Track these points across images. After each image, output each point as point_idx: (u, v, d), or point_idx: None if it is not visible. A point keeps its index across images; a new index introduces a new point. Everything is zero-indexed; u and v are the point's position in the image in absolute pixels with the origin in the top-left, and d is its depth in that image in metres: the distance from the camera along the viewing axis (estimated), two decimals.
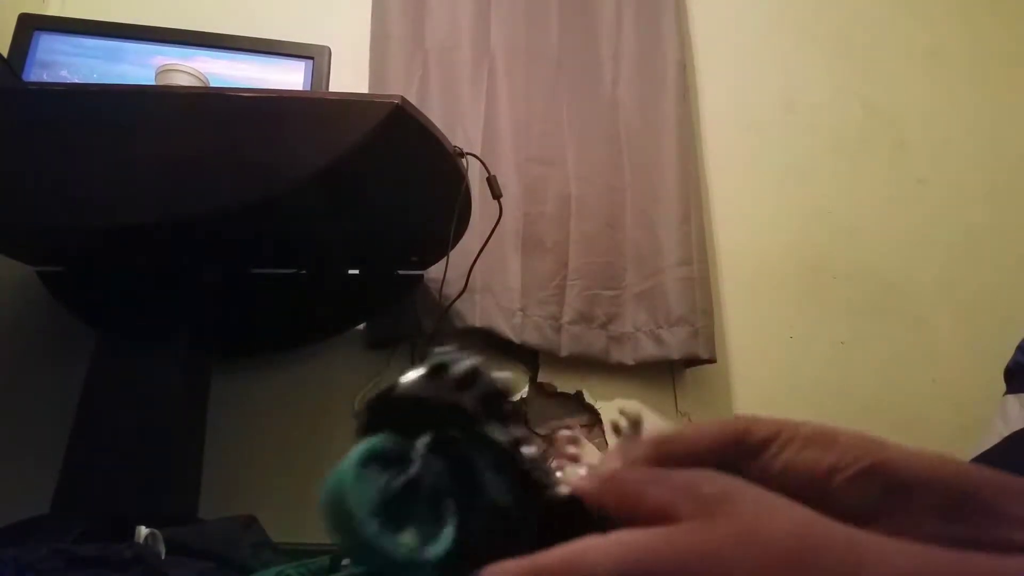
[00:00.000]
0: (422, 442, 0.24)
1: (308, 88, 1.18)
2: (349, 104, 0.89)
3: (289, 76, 1.19)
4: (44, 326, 1.19)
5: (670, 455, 0.26)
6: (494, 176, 1.09)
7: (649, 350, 1.33)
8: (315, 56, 1.21)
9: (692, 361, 1.35)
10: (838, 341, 1.46)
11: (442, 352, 0.27)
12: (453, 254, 1.06)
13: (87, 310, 1.13)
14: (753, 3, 1.71)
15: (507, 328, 1.25)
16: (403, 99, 0.83)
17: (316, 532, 1.01)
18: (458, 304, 1.22)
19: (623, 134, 1.46)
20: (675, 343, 1.31)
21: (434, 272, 1.21)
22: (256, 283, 1.18)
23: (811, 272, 1.51)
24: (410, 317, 1.25)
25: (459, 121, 1.38)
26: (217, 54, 1.18)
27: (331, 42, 1.24)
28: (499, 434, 0.25)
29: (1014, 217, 1.60)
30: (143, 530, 0.69)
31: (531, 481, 0.25)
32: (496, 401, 0.26)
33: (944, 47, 1.73)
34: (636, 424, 0.27)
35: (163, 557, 0.68)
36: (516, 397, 0.27)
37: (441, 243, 1.07)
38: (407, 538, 0.22)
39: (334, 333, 1.28)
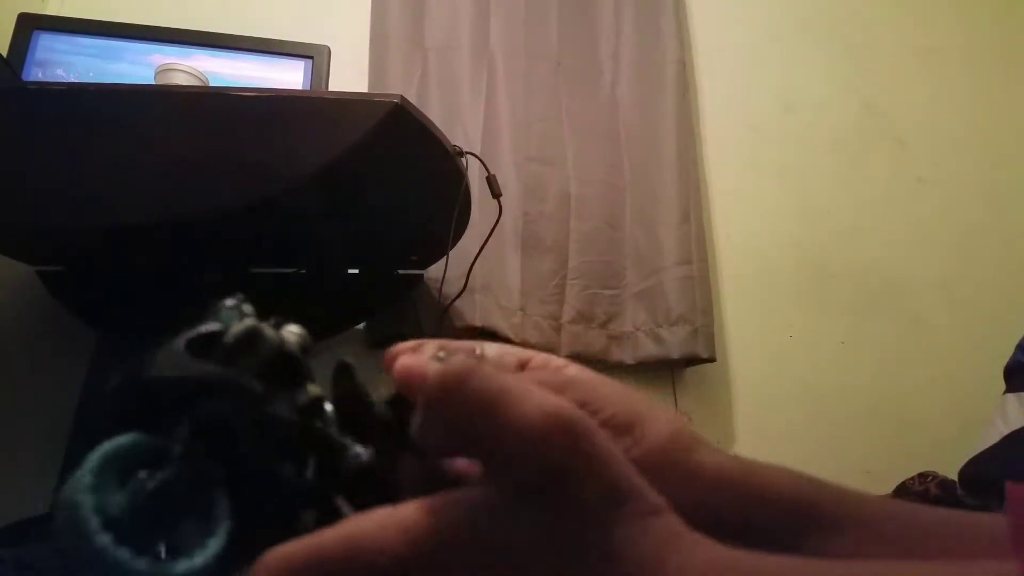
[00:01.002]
0: (181, 433, 0.21)
1: (308, 87, 1.18)
2: (349, 103, 0.89)
3: (289, 75, 1.19)
4: (44, 326, 1.19)
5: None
6: (494, 175, 1.09)
7: (649, 349, 1.33)
8: (315, 55, 1.21)
9: (692, 360, 1.35)
10: (838, 340, 1.46)
11: (218, 314, 0.23)
12: (453, 253, 1.06)
13: (87, 310, 1.13)
14: (753, 2, 1.71)
15: (507, 327, 1.25)
16: (403, 98, 0.83)
17: None
18: (458, 303, 1.22)
19: (623, 133, 1.46)
20: (675, 342, 1.31)
21: (434, 272, 1.21)
22: (256, 283, 1.18)
23: (811, 271, 1.51)
24: (410, 317, 1.25)
25: (459, 120, 1.38)
26: (217, 54, 1.18)
27: (331, 41, 1.24)
28: (283, 406, 0.22)
29: (1014, 216, 1.60)
30: None
31: (330, 448, 0.22)
32: (282, 366, 0.22)
33: (943, 46, 1.73)
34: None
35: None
36: (304, 350, 0.24)
37: (441, 242, 1.07)
38: (146, 559, 0.19)
39: (334, 333, 1.28)
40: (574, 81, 1.47)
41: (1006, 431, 0.86)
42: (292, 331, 0.24)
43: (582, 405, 0.23)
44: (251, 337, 0.22)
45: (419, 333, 1.24)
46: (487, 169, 1.10)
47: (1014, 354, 0.95)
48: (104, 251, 1.00)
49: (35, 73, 1.10)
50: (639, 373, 1.35)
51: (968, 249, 1.56)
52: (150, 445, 0.21)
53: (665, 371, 1.38)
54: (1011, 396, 0.91)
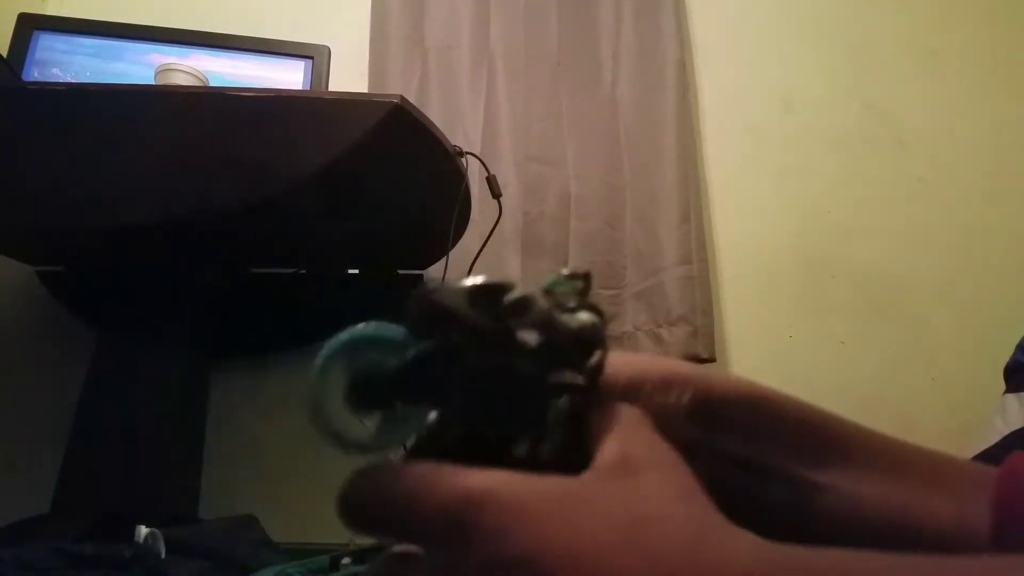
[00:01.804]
0: (427, 344, 0.23)
1: (308, 88, 1.18)
2: (349, 103, 0.89)
3: (288, 75, 1.19)
4: (44, 326, 1.19)
5: None
6: (494, 175, 1.09)
7: (649, 349, 1.33)
8: (314, 55, 1.21)
9: (692, 360, 1.35)
10: (838, 340, 1.46)
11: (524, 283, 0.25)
12: (453, 253, 1.06)
13: (87, 310, 1.13)
14: (753, 2, 1.71)
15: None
16: (402, 98, 0.83)
17: (316, 532, 1.01)
18: None
19: (623, 133, 1.46)
20: (675, 342, 1.31)
21: (434, 272, 1.21)
22: (256, 283, 1.18)
23: (810, 271, 1.51)
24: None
25: (459, 120, 1.38)
26: (217, 53, 1.18)
27: (331, 41, 1.24)
28: (530, 364, 0.23)
29: (1014, 217, 1.60)
30: (143, 530, 0.69)
31: (550, 429, 0.23)
32: (552, 338, 0.23)
33: (944, 46, 1.73)
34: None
35: (163, 557, 0.68)
36: (583, 338, 0.25)
37: (441, 242, 1.07)
38: (370, 423, 0.22)
39: (334, 333, 1.28)
40: (574, 81, 1.47)
41: (1006, 431, 0.87)
42: (583, 316, 0.24)
43: (631, 381, 0.26)
44: (526, 303, 0.24)
45: None
46: (487, 169, 1.10)
47: (1014, 354, 0.95)
48: (104, 251, 1.00)
49: (35, 73, 1.10)
50: None
51: (968, 249, 1.56)
52: (397, 340, 0.24)
53: None
54: (1011, 396, 0.91)
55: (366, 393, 0.23)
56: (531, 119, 1.41)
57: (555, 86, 1.46)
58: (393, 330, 0.24)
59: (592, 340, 0.24)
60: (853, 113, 1.64)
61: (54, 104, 0.84)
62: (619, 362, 0.27)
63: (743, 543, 0.20)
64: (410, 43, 1.42)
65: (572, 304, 0.25)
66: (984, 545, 0.24)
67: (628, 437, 0.23)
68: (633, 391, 0.27)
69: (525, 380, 0.23)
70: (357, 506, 0.22)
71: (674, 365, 0.28)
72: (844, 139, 1.62)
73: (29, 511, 0.81)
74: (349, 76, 1.36)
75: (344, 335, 0.24)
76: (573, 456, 0.23)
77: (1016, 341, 0.95)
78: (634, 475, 0.21)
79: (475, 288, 0.23)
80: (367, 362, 0.24)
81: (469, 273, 1.19)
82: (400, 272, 1.22)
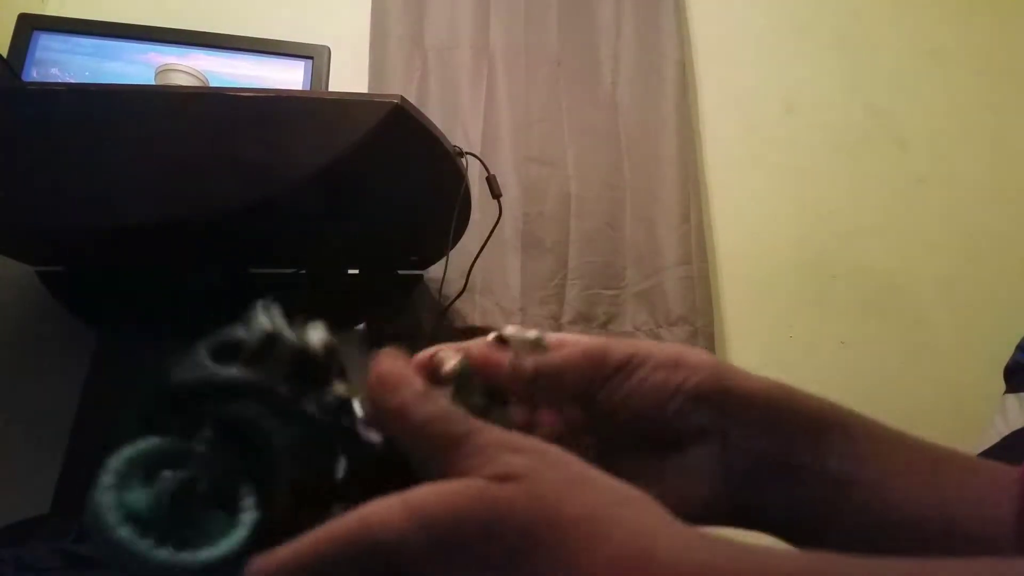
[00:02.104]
0: (203, 434, 0.22)
1: (307, 88, 1.18)
2: (348, 104, 0.89)
3: (288, 75, 1.19)
4: (44, 326, 1.19)
5: (539, 374, 0.28)
6: (494, 176, 1.09)
7: None
8: (314, 56, 1.21)
9: None
10: (838, 341, 1.46)
11: (245, 320, 0.24)
12: (453, 254, 1.06)
13: (87, 310, 1.13)
14: (753, 2, 1.71)
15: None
16: (402, 99, 0.82)
17: None
18: (458, 304, 1.22)
19: (623, 134, 1.46)
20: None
21: (434, 272, 1.21)
22: (256, 283, 1.18)
23: (811, 272, 1.51)
24: (410, 317, 1.25)
25: (459, 121, 1.38)
26: (216, 53, 1.18)
27: (330, 41, 1.24)
28: (310, 406, 0.23)
29: (1015, 217, 1.60)
30: None
31: (351, 440, 0.23)
32: (305, 367, 0.24)
33: (945, 47, 1.73)
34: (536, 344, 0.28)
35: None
36: (327, 351, 0.26)
37: (441, 243, 1.07)
38: (167, 549, 0.20)
39: (334, 333, 1.28)
40: (574, 81, 1.47)
41: (1006, 431, 0.86)
42: (315, 333, 0.25)
43: (629, 357, 0.28)
44: (271, 341, 0.23)
45: (419, 333, 1.24)
46: (487, 169, 1.10)
47: (1014, 354, 0.95)
48: (104, 251, 1.00)
49: (34, 73, 1.10)
50: None
51: (969, 250, 1.56)
52: (174, 447, 0.22)
53: None
54: (1011, 396, 0.91)
55: (178, 508, 0.21)
56: (531, 119, 1.41)
57: (555, 86, 1.46)
58: (154, 443, 0.22)
59: (335, 348, 0.25)
60: (854, 113, 1.64)
61: (54, 104, 0.84)
62: (616, 342, 0.28)
63: (691, 546, 0.20)
64: (410, 43, 1.42)
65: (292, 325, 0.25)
66: (1010, 544, 0.24)
67: (513, 446, 0.22)
68: (631, 366, 0.28)
69: (310, 407, 0.23)
70: None
71: (687, 349, 0.29)
72: (844, 139, 1.62)
73: (29, 511, 0.81)
74: (349, 76, 1.36)
75: (111, 466, 0.21)
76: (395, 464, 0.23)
77: (1016, 341, 0.95)
78: (540, 481, 0.21)
79: (214, 349, 0.23)
80: (156, 483, 0.21)
81: (468, 273, 1.19)
82: (400, 272, 1.22)
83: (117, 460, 0.21)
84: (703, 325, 1.32)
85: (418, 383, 0.24)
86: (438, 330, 1.21)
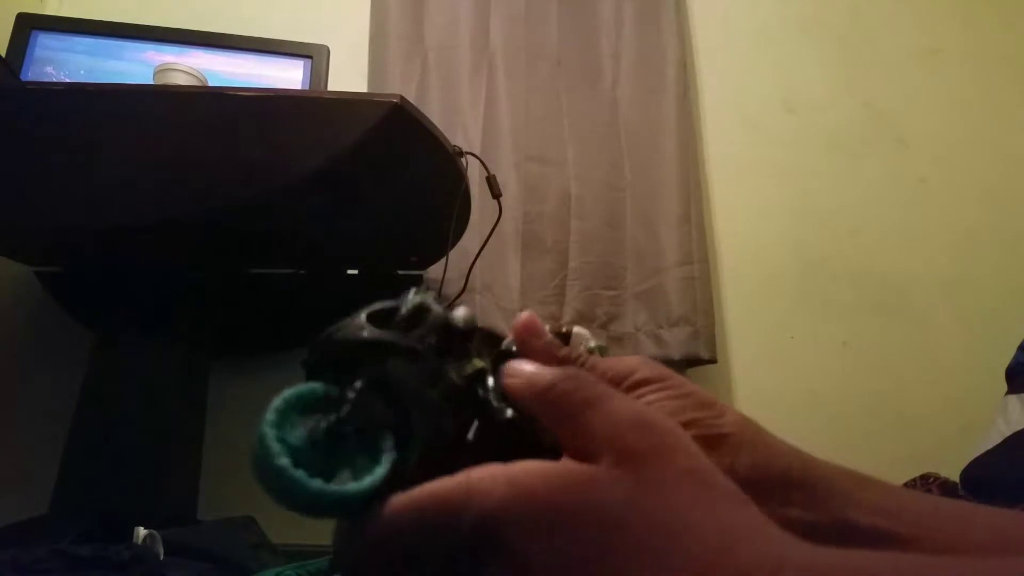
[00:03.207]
0: (356, 384, 0.25)
1: (307, 87, 1.18)
2: (348, 103, 0.89)
3: (288, 75, 1.19)
4: (43, 326, 1.19)
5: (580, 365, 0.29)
6: (493, 175, 1.09)
7: (650, 350, 1.32)
8: (314, 55, 1.21)
9: (693, 361, 1.34)
10: (839, 341, 1.46)
11: (399, 297, 0.27)
12: (453, 254, 1.06)
13: (85, 310, 1.13)
14: (753, 2, 1.71)
15: (507, 328, 1.25)
16: (402, 98, 0.82)
17: (315, 533, 1.00)
18: (458, 304, 1.22)
19: (623, 133, 1.46)
20: (676, 343, 1.31)
21: (434, 272, 1.21)
22: (255, 283, 1.18)
23: (812, 272, 1.51)
24: None
25: (458, 120, 1.37)
26: (215, 52, 1.18)
27: (330, 41, 1.24)
28: (451, 371, 0.26)
29: (1016, 217, 1.59)
30: (141, 531, 0.69)
31: (484, 407, 0.26)
32: (449, 339, 0.26)
33: (945, 46, 1.73)
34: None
35: (161, 558, 0.68)
36: (468, 328, 0.29)
37: (441, 243, 1.07)
38: (320, 480, 0.23)
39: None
40: (574, 80, 1.47)
41: (1008, 432, 0.86)
42: (460, 311, 0.28)
43: (662, 378, 0.29)
44: (421, 310, 0.26)
45: None
46: (487, 169, 1.10)
47: (1016, 355, 0.95)
48: (103, 251, 0.99)
49: (33, 73, 1.09)
50: None
51: (970, 250, 1.56)
52: (329, 394, 0.25)
53: None
54: (1013, 397, 0.91)
55: (327, 447, 0.24)
56: (531, 119, 1.41)
57: (555, 86, 1.45)
58: (312, 388, 0.25)
59: (475, 326, 0.27)
60: (853, 113, 1.64)
61: (52, 104, 0.83)
62: (654, 366, 0.30)
63: (773, 545, 0.20)
64: (410, 43, 1.42)
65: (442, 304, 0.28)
66: None
67: (635, 422, 0.23)
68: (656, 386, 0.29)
69: (451, 374, 0.26)
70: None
71: (720, 403, 0.30)
72: (844, 139, 1.61)
73: (28, 512, 0.81)
74: (348, 76, 1.36)
75: (275, 405, 0.24)
76: (524, 426, 0.25)
77: (1018, 342, 0.95)
78: (645, 469, 0.22)
79: (372, 314, 0.26)
80: (309, 423, 0.24)
81: (468, 273, 1.19)
82: (400, 272, 1.22)
83: (279, 400, 0.24)
84: (704, 326, 1.32)
85: (555, 341, 0.26)
86: None
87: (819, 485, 0.28)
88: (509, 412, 0.26)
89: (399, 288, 0.28)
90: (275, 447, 0.22)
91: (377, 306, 0.27)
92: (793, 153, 1.59)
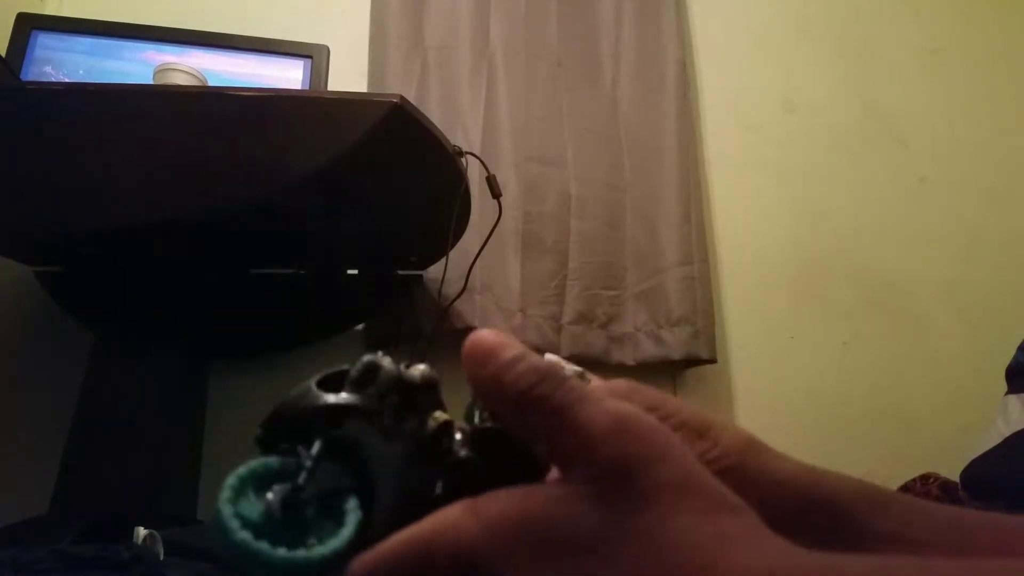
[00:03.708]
0: (312, 451, 0.25)
1: (307, 87, 1.18)
2: (348, 103, 0.89)
3: (287, 75, 1.19)
4: (42, 326, 1.19)
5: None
6: (494, 175, 1.09)
7: (650, 350, 1.32)
8: (314, 55, 1.21)
9: (693, 361, 1.34)
10: (839, 341, 1.46)
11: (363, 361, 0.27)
12: (452, 254, 1.06)
13: (85, 311, 1.13)
14: (754, 2, 1.71)
15: (507, 329, 1.25)
16: (402, 98, 0.82)
17: None
18: (458, 304, 1.22)
19: (623, 133, 1.46)
20: (676, 343, 1.31)
21: (433, 272, 1.20)
22: (255, 283, 1.18)
23: (812, 272, 1.51)
24: (409, 317, 1.24)
25: (458, 120, 1.37)
26: (215, 52, 1.18)
27: (330, 41, 1.24)
28: (411, 426, 0.26)
29: (1016, 217, 1.59)
30: (141, 531, 0.68)
31: (456, 466, 0.25)
32: (405, 395, 0.26)
33: (945, 46, 1.73)
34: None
35: (161, 558, 0.68)
36: (427, 383, 0.29)
37: (440, 243, 1.07)
38: (283, 548, 0.23)
39: (333, 333, 1.28)
40: (574, 81, 1.47)
41: (1007, 432, 0.86)
42: (416, 367, 0.27)
43: (652, 409, 0.25)
44: (371, 368, 0.26)
45: (419, 334, 1.24)
46: (487, 169, 1.10)
47: (1016, 355, 0.95)
48: (103, 251, 0.99)
49: (36, 73, 1.09)
50: (640, 374, 1.35)
51: (970, 249, 1.56)
52: (285, 465, 0.25)
53: (666, 372, 1.38)
54: (1012, 397, 0.91)
55: (290, 516, 0.24)
56: (531, 119, 1.41)
57: (555, 86, 1.45)
58: (265, 462, 0.25)
59: (435, 381, 0.27)
60: (854, 113, 1.64)
61: (52, 104, 0.83)
62: (647, 391, 0.28)
63: (763, 552, 0.20)
64: (410, 43, 1.42)
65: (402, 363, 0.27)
66: None
67: (612, 430, 0.22)
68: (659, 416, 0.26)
69: (411, 429, 0.25)
70: None
71: (719, 420, 0.28)
72: (844, 139, 1.61)
73: (28, 512, 0.81)
74: (348, 76, 1.36)
75: (228, 482, 0.24)
76: (503, 465, 0.25)
77: (1018, 342, 0.95)
78: (625, 482, 0.21)
79: (321, 381, 0.26)
80: (267, 496, 0.24)
81: (468, 274, 1.19)
82: (400, 272, 1.22)
83: (233, 478, 0.24)
84: (704, 326, 1.32)
85: (515, 347, 0.24)
86: (438, 330, 1.21)
87: (836, 511, 0.26)
88: (471, 457, 0.25)
89: (399, 288, 0.28)
90: (233, 523, 0.23)
91: (326, 371, 0.27)
92: (793, 153, 1.59)
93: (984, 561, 0.19)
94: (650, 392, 0.28)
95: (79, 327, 1.12)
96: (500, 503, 0.22)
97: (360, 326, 1.29)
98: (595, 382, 0.29)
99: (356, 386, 0.26)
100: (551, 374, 0.23)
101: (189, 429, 0.98)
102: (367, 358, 0.26)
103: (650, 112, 1.48)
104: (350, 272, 1.20)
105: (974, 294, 1.52)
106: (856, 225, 1.55)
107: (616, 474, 0.21)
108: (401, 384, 0.26)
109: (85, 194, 0.84)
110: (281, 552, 0.22)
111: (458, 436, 0.26)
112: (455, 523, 0.22)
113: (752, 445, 0.27)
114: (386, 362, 0.26)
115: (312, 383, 0.26)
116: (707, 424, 0.28)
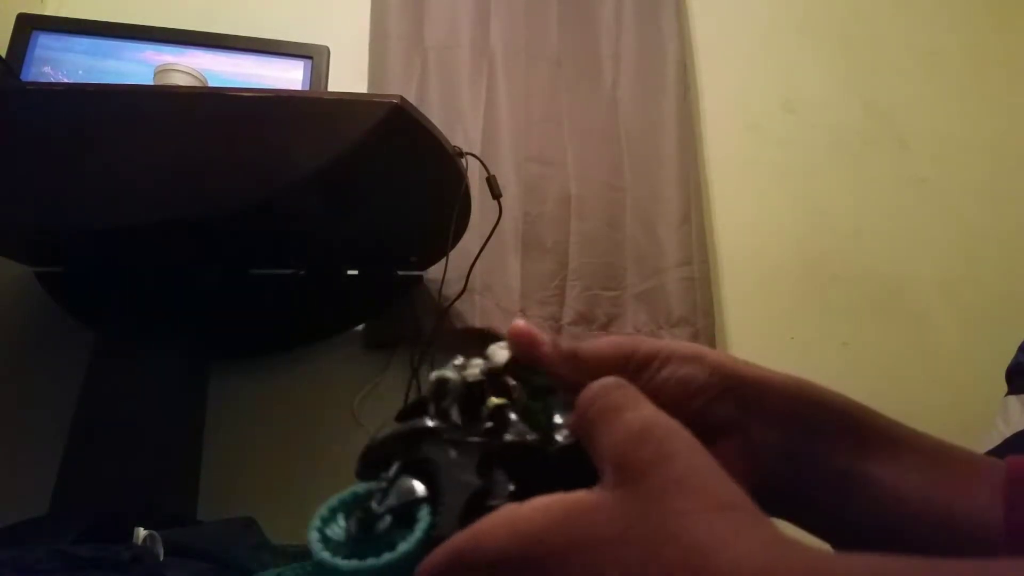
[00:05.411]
0: (390, 474, 0.28)
1: (307, 88, 1.18)
2: (348, 104, 0.89)
3: (288, 75, 1.19)
4: (42, 327, 1.19)
5: (578, 357, 0.30)
6: (494, 176, 1.09)
7: None
8: (314, 55, 1.21)
9: None
10: (839, 342, 1.46)
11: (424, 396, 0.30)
12: (453, 254, 1.06)
13: (85, 311, 1.13)
14: (753, 2, 1.71)
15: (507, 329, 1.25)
16: (402, 99, 0.82)
17: None
18: (458, 305, 1.22)
19: (623, 134, 1.46)
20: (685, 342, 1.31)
21: (433, 272, 1.21)
22: (255, 283, 1.18)
23: (812, 272, 1.51)
24: (409, 318, 1.24)
25: (459, 121, 1.37)
26: (215, 53, 1.18)
27: (330, 41, 1.24)
28: (473, 429, 0.28)
29: (1016, 217, 1.59)
30: (141, 531, 0.69)
31: (519, 452, 0.27)
32: (473, 395, 0.29)
33: (945, 46, 1.73)
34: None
35: (161, 558, 0.68)
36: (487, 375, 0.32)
37: (441, 243, 1.07)
38: (354, 561, 0.26)
39: (333, 333, 1.28)
40: (574, 81, 1.47)
41: (1008, 433, 0.86)
42: (473, 364, 0.31)
43: (656, 352, 0.30)
44: (439, 385, 0.29)
45: (418, 334, 1.24)
46: (487, 170, 1.10)
47: (1016, 356, 0.95)
48: (103, 251, 0.99)
49: (33, 73, 1.09)
50: None
51: (970, 250, 1.56)
52: (370, 490, 0.29)
53: None
54: (1013, 398, 0.91)
55: (366, 533, 0.27)
56: (531, 119, 1.41)
57: (555, 86, 1.45)
58: (352, 491, 0.29)
59: (495, 370, 0.30)
60: (853, 113, 1.64)
61: (52, 104, 0.83)
62: (644, 339, 0.31)
63: (759, 550, 0.20)
64: (410, 43, 1.42)
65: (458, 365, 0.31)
66: (1002, 547, 0.24)
67: (637, 433, 0.23)
68: (658, 361, 0.30)
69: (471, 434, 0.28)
70: None
71: (706, 348, 0.31)
72: (844, 139, 1.61)
73: (28, 512, 0.81)
74: (348, 76, 1.36)
75: (319, 512, 0.28)
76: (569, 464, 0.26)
77: (1018, 342, 0.94)
78: (641, 483, 0.22)
79: (400, 413, 0.30)
80: (358, 514, 0.28)
81: (468, 274, 1.19)
82: (400, 272, 1.22)
83: (323, 508, 0.28)
84: (704, 326, 1.32)
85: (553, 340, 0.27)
86: (438, 331, 1.21)
87: (827, 408, 0.30)
88: (529, 437, 0.27)
89: (399, 288, 0.29)
90: (317, 545, 0.27)
91: (406, 404, 0.30)
92: (793, 153, 1.59)
93: (991, 562, 0.19)
94: (651, 340, 0.31)
95: (79, 327, 1.12)
96: (537, 512, 0.23)
97: (360, 326, 1.29)
98: (603, 338, 0.31)
99: (435, 402, 0.29)
100: (607, 386, 0.25)
101: (189, 429, 0.98)
102: (434, 375, 0.30)
103: (650, 112, 1.48)
104: (350, 272, 1.20)
105: (974, 294, 1.51)
106: (856, 225, 1.55)
107: (637, 475, 0.22)
108: (469, 387, 0.29)
109: (85, 194, 0.84)
110: (353, 563, 0.26)
111: (511, 416, 0.28)
112: (492, 535, 0.23)
113: (739, 361, 0.31)
114: (449, 373, 0.30)
115: (394, 417, 0.30)
116: (698, 353, 0.30)
